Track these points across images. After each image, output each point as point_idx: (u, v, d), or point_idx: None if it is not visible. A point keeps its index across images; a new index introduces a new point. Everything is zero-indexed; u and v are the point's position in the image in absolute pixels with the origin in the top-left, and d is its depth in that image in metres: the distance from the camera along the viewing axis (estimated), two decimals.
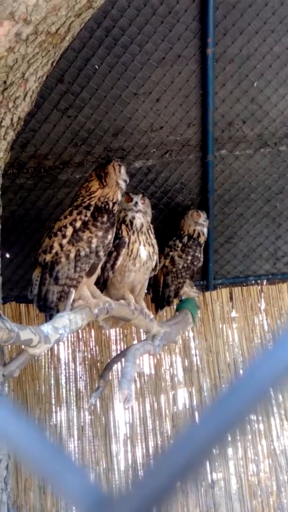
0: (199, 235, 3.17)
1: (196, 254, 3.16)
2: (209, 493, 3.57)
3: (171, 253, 3.19)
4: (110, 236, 2.31)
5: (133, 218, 2.58)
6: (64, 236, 2.25)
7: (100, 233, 2.26)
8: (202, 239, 3.19)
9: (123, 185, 2.41)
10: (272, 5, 2.60)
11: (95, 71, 2.67)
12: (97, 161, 3.05)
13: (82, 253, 2.24)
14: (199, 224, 3.17)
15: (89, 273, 2.31)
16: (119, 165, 2.42)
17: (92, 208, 2.28)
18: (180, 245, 3.17)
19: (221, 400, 0.34)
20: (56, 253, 2.25)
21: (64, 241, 2.24)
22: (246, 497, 3.56)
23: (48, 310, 2.33)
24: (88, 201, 2.31)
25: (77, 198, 2.39)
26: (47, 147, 2.94)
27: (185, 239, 3.17)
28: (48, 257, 2.27)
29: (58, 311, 2.28)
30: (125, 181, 2.43)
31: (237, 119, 3.00)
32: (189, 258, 3.15)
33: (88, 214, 2.27)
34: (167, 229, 3.46)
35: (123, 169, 2.44)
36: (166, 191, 3.31)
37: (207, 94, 2.81)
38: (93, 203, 2.30)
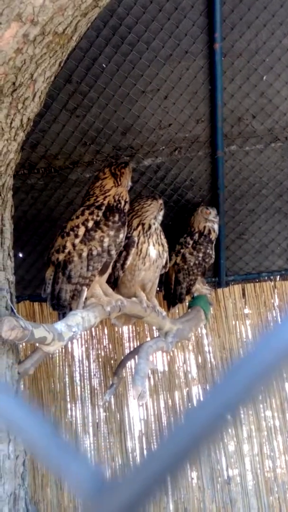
0: (210, 232, 3.16)
1: (208, 251, 3.16)
2: (225, 489, 3.57)
3: (182, 251, 3.18)
4: (122, 235, 2.34)
5: (154, 223, 2.60)
6: (76, 236, 2.28)
7: (112, 232, 2.29)
8: (213, 236, 3.18)
9: (129, 186, 2.49)
10: None
11: (103, 70, 2.67)
12: (106, 160, 3.06)
13: (95, 252, 2.27)
14: (209, 220, 3.16)
15: (101, 272, 2.33)
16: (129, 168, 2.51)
17: (103, 208, 2.32)
18: (191, 242, 3.16)
19: (224, 380, 0.35)
20: (69, 253, 2.28)
21: (77, 241, 2.28)
22: (263, 493, 3.55)
23: (61, 309, 2.36)
24: (102, 200, 2.34)
25: (89, 197, 2.41)
26: (57, 147, 2.95)
27: (196, 236, 3.16)
28: (61, 257, 2.30)
29: (71, 309, 2.31)
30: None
31: (246, 114, 2.98)
32: (200, 255, 3.14)
33: (100, 214, 2.30)
34: (177, 227, 3.46)
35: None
36: (176, 189, 3.31)
37: (216, 90, 2.80)
38: (106, 202, 2.33)
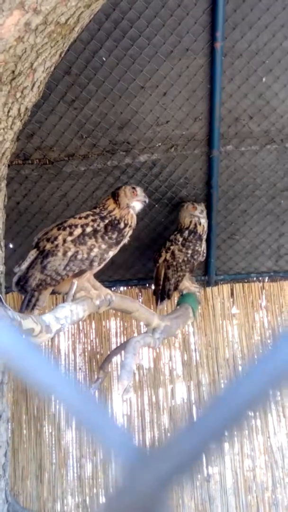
0: (196, 226, 3.17)
1: (196, 248, 3.17)
2: (205, 487, 3.60)
3: (172, 247, 3.19)
4: (111, 253, 2.38)
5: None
6: (71, 234, 2.31)
7: (103, 246, 2.33)
8: (199, 229, 3.18)
9: (137, 206, 2.51)
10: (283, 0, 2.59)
11: (103, 64, 2.66)
12: (102, 154, 3.05)
13: (79, 256, 2.30)
14: (194, 215, 3.18)
15: (75, 275, 2.34)
16: (133, 188, 2.52)
17: (107, 221, 2.36)
18: (180, 239, 3.17)
19: (220, 397, 0.35)
20: (56, 246, 2.30)
21: (69, 238, 2.31)
22: (241, 492, 3.58)
23: (23, 292, 2.38)
24: (107, 213, 2.40)
25: (98, 206, 2.48)
26: (52, 139, 2.93)
27: (186, 233, 3.17)
28: (48, 246, 2.31)
29: (32, 296, 2.35)
30: (142, 201, 2.54)
31: (244, 114, 2.99)
32: (189, 252, 3.16)
33: (101, 224, 2.35)
34: (170, 224, 3.46)
35: (139, 190, 2.54)
36: (171, 186, 3.31)
37: (214, 89, 2.79)
38: (111, 217, 2.39)
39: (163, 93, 2.84)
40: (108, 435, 0.37)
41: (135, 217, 2.50)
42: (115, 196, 2.49)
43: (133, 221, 2.48)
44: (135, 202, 2.50)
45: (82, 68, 2.65)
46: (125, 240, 2.46)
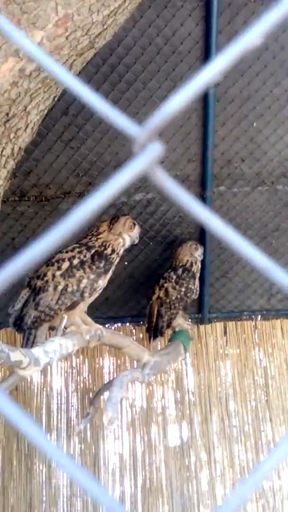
0: (192, 265, 3.21)
1: (190, 286, 3.19)
2: None
3: (165, 285, 3.21)
4: (101, 282, 2.38)
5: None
6: (59, 268, 2.35)
7: (92, 276, 2.34)
8: (194, 268, 3.22)
9: (127, 240, 2.48)
10: (273, 50, 2.71)
11: None
12: None
13: (69, 289, 2.33)
14: (194, 256, 3.21)
15: (69, 308, 2.36)
16: (133, 223, 2.51)
17: (93, 251, 2.37)
18: (174, 277, 3.20)
19: None
20: (46, 281, 2.34)
21: (58, 273, 2.34)
22: None
23: (20, 331, 2.43)
24: (94, 242, 2.41)
25: (86, 236, 2.48)
26: (49, 177, 3.01)
27: (180, 271, 3.20)
28: (39, 283, 2.35)
29: (30, 334, 2.38)
30: (133, 240, 2.51)
31: (236, 157, 3.08)
32: (183, 289, 3.17)
33: (88, 255, 2.36)
34: (164, 261, 3.50)
35: (137, 228, 2.53)
36: (165, 224, 3.37)
37: (207, 132, 2.89)
38: (96, 245, 2.39)
39: (158, 134, 2.93)
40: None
41: (122, 247, 2.47)
42: (113, 219, 2.48)
43: (119, 249, 2.44)
44: (127, 236, 2.48)
45: (79, 109, 2.76)
46: (113, 267, 2.43)
